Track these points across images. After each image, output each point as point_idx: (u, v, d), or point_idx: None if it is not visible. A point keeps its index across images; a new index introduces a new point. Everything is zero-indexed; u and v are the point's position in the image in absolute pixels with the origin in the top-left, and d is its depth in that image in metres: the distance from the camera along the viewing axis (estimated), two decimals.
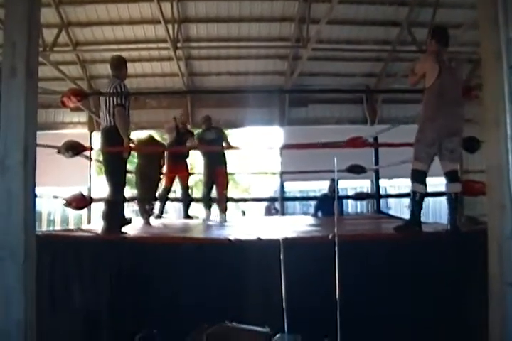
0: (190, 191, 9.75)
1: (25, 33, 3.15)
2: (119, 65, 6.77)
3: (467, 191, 5.84)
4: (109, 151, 6.45)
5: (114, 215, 6.33)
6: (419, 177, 5.39)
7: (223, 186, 9.22)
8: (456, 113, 5.33)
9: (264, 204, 17.01)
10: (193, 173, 9.94)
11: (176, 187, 10.39)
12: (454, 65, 5.42)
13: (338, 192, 8.62)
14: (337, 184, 7.87)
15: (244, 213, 20.02)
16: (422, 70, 5.48)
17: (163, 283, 4.83)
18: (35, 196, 3.29)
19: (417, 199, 5.38)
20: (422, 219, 5.50)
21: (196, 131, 9.93)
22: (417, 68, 5.57)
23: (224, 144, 9.26)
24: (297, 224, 7.81)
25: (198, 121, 11.72)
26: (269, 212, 16.09)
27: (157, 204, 9.52)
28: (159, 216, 9.72)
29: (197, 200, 10.16)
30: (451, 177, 5.44)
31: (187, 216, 9.85)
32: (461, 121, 5.39)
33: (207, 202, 8.92)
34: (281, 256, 3.80)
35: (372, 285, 4.65)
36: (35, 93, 3.23)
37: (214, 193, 9.48)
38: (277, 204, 15.68)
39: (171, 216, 10.08)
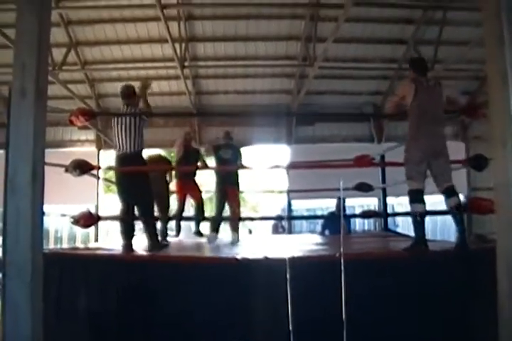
0: (203, 208, 9.68)
1: (34, 55, 3.19)
2: (130, 93, 6.80)
3: (475, 209, 5.85)
4: (136, 174, 6.58)
5: (155, 233, 6.75)
6: (416, 196, 5.46)
7: (236, 206, 9.16)
8: (436, 132, 5.48)
9: (271, 222, 16.96)
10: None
11: (187, 205, 10.36)
12: (433, 84, 5.59)
13: (344, 211, 8.58)
14: (343, 203, 7.85)
15: (250, 231, 19.96)
16: (401, 93, 5.75)
17: (170, 301, 4.82)
18: (43, 214, 3.30)
19: (418, 218, 5.43)
20: (431, 237, 5.51)
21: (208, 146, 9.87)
22: (399, 90, 5.88)
23: (238, 163, 9.18)
24: (304, 243, 7.79)
25: (205, 139, 11.76)
26: (276, 230, 16.04)
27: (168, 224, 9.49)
28: (176, 235, 9.77)
29: (207, 219, 10.10)
30: (448, 193, 5.51)
31: (198, 232, 9.75)
32: (443, 141, 5.53)
33: (216, 224, 8.77)
34: (288, 275, 3.79)
35: (379, 304, 4.62)
36: (44, 114, 3.26)
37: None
38: (284, 222, 15.65)
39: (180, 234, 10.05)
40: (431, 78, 5.79)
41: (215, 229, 8.57)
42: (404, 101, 5.69)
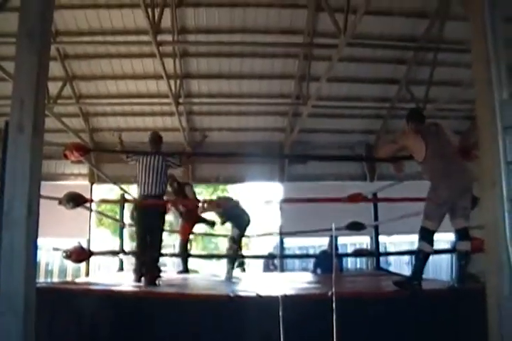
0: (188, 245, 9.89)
1: (33, 91, 3.23)
2: (160, 140, 7.52)
3: None
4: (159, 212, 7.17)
5: (156, 268, 7.00)
6: (427, 236, 5.36)
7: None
8: (460, 170, 5.40)
9: (263, 260, 16.86)
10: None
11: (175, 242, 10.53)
12: (434, 129, 5.60)
13: (337, 250, 8.57)
14: (336, 242, 7.84)
15: (244, 269, 19.80)
16: (402, 143, 5.71)
17: (162, 337, 4.78)
18: (36, 249, 3.31)
19: (421, 257, 5.37)
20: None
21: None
22: (401, 140, 5.77)
23: None
24: (296, 281, 7.76)
25: (199, 176, 11.85)
26: (267, 268, 15.95)
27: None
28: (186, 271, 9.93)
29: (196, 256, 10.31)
30: (462, 234, 5.42)
31: (186, 270, 9.84)
32: (469, 174, 5.40)
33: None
34: (280, 313, 3.78)
35: None
36: (40, 149, 3.30)
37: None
38: (276, 260, 15.56)
39: (169, 270, 10.03)
40: (428, 124, 5.77)
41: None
42: (411, 153, 5.65)
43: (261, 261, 17.22)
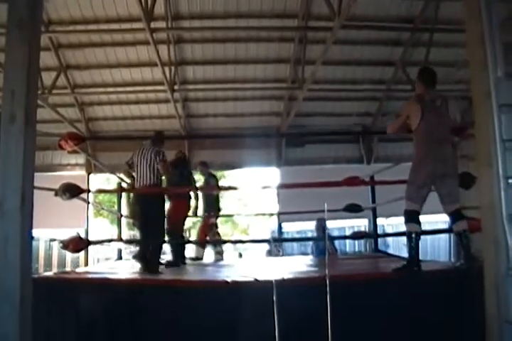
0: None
1: (24, 81, 3.22)
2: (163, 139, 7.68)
3: None
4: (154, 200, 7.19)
5: (158, 256, 7.12)
6: (412, 217, 5.37)
7: None
8: (445, 154, 5.32)
9: (263, 245, 16.93)
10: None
11: None
12: (439, 103, 5.41)
13: (327, 232, 8.56)
14: (324, 224, 7.81)
15: (240, 255, 19.90)
16: (406, 113, 5.55)
17: (160, 325, 4.79)
18: (31, 239, 3.31)
19: (414, 239, 5.36)
20: (421, 257, 5.46)
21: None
22: (404, 111, 5.63)
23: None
24: (293, 265, 7.78)
25: (196, 162, 11.80)
26: (271, 252, 15.98)
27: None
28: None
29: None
30: (455, 216, 5.40)
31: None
32: (452, 161, 5.38)
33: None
34: (274, 297, 3.78)
35: (368, 325, 4.60)
36: (33, 139, 3.28)
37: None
38: (279, 244, 15.57)
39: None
40: (438, 96, 5.50)
41: None
42: (408, 121, 5.52)
43: (261, 247, 17.26)
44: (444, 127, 5.39)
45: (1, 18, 3.44)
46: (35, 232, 3.36)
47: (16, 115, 3.16)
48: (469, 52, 3.81)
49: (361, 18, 11.27)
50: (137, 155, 7.16)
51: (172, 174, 8.58)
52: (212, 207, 10.30)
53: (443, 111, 5.42)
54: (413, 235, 5.33)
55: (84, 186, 7.62)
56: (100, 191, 14.38)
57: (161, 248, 7.52)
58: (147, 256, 6.84)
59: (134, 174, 7.32)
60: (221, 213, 11.07)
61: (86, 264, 14.15)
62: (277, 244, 15.71)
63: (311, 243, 13.28)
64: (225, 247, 9.74)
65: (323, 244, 7.31)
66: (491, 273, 3.44)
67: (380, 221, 10.31)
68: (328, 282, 3.65)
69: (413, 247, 5.34)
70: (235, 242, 28.02)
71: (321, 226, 10.71)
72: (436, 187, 5.36)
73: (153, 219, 7.09)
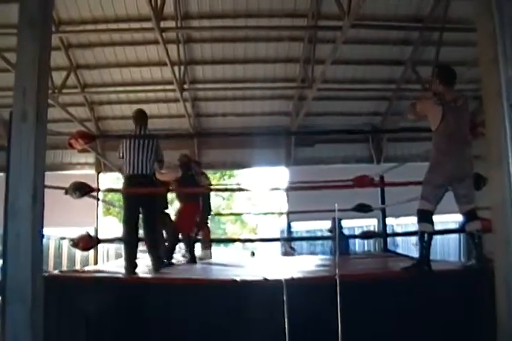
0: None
1: (35, 79, 3.23)
2: (142, 116, 7.18)
3: None
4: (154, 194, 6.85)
5: (158, 254, 6.78)
6: (426, 217, 5.30)
7: None
8: (464, 155, 5.25)
9: (274, 243, 16.90)
10: None
11: None
12: (460, 103, 5.29)
13: (341, 232, 8.54)
14: (339, 224, 7.77)
15: (253, 254, 19.85)
16: (423, 112, 5.45)
17: (168, 324, 4.80)
18: (42, 237, 3.32)
19: (426, 239, 5.31)
20: (430, 257, 5.44)
21: None
22: (419, 108, 5.52)
23: None
24: (305, 264, 7.77)
25: (205, 162, 11.81)
26: (285, 251, 15.96)
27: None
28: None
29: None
30: (469, 216, 5.36)
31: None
32: (470, 163, 5.32)
33: None
34: (285, 296, 3.78)
35: (378, 325, 4.58)
36: (44, 137, 3.29)
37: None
38: (292, 244, 15.52)
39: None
40: (459, 96, 5.37)
41: None
42: (422, 118, 5.48)
43: (271, 245, 17.23)
44: (464, 127, 5.31)
45: (15, 19, 3.45)
46: (45, 230, 3.36)
47: (28, 113, 3.17)
48: (480, 51, 3.79)
49: (371, 17, 11.26)
50: (125, 144, 6.67)
51: (180, 179, 8.62)
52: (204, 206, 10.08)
53: (464, 111, 5.32)
54: (425, 235, 5.30)
55: (93, 185, 7.57)
56: (110, 190, 14.37)
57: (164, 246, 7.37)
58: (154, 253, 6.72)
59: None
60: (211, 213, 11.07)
61: (95, 263, 14.18)
62: (290, 243, 15.70)
63: (320, 242, 13.29)
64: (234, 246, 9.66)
65: (341, 243, 7.30)
66: (501, 273, 3.42)
67: (389, 221, 10.29)
68: (338, 281, 3.65)
69: (424, 247, 5.29)
70: (248, 241, 27.96)
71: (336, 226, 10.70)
72: (454, 188, 5.31)
73: (152, 215, 6.73)
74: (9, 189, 3.18)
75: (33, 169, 3.14)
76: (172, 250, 8.50)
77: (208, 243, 9.89)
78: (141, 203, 6.55)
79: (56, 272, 7.13)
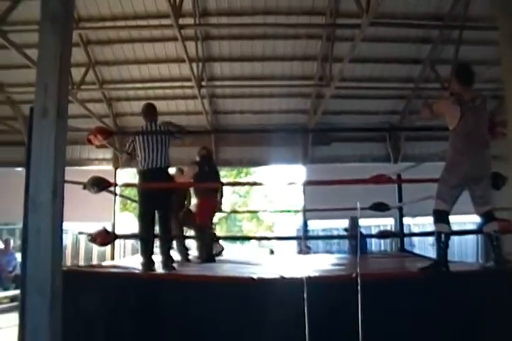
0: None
1: (56, 75, 3.25)
2: (154, 110, 7.10)
3: None
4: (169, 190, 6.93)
5: (169, 251, 6.77)
6: (442, 217, 5.27)
7: None
8: (482, 155, 5.21)
9: (290, 242, 16.87)
10: None
11: None
12: (479, 102, 5.25)
13: (359, 231, 8.50)
14: (357, 222, 7.75)
15: (272, 252, 19.80)
16: (440, 111, 5.42)
17: (186, 320, 4.81)
18: (62, 232, 3.34)
19: (443, 239, 5.27)
20: (448, 258, 5.40)
21: None
22: (436, 107, 5.48)
23: None
24: (322, 263, 7.75)
25: (222, 159, 11.81)
26: (301, 250, 15.93)
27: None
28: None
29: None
30: (486, 217, 5.32)
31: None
32: (488, 163, 5.27)
33: None
34: (305, 295, 3.78)
35: (398, 325, 4.57)
36: (64, 133, 3.32)
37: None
38: (308, 242, 15.50)
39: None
40: (477, 95, 5.33)
41: None
42: (437, 117, 5.45)
43: (288, 243, 17.19)
44: (482, 127, 5.27)
45: (35, 16, 3.48)
46: (63, 225, 3.39)
47: (49, 108, 3.19)
48: (501, 50, 3.77)
49: (390, 15, 11.20)
50: (139, 138, 6.67)
51: (198, 173, 8.56)
52: None
53: (482, 110, 5.28)
54: (442, 235, 5.26)
55: (111, 180, 7.58)
56: (127, 185, 14.41)
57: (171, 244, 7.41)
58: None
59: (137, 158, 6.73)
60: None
61: (112, 258, 14.26)
62: (306, 241, 15.66)
63: (336, 241, 13.27)
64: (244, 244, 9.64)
65: (360, 242, 7.29)
66: None
67: (406, 220, 10.24)
68: (359, 281, 3.64)
69: (442, 248, 5.25)
70: (265, 239, 27.96)
71: (355, 225, 10.66)
72: (470, 189, 5.27)
73: (166, 211, 6.79)
74: (30, 184, 3.21)
75: (54, 165, 3.17)
76: (211, 247, 8.54)
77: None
78: (156, 199, 6.60)
79: (73, 267, 7.18)
